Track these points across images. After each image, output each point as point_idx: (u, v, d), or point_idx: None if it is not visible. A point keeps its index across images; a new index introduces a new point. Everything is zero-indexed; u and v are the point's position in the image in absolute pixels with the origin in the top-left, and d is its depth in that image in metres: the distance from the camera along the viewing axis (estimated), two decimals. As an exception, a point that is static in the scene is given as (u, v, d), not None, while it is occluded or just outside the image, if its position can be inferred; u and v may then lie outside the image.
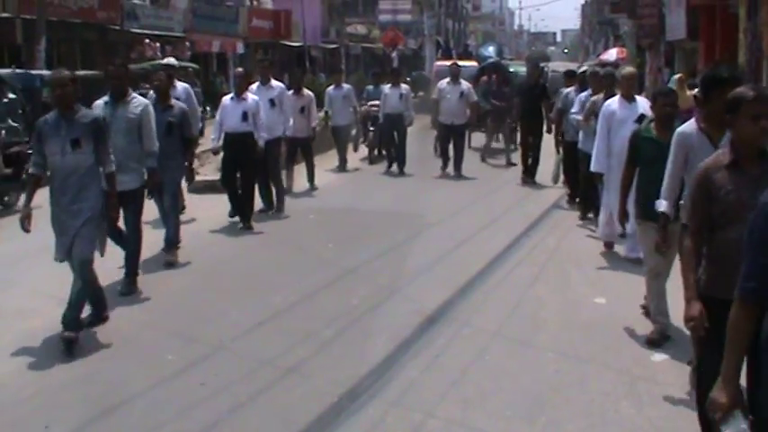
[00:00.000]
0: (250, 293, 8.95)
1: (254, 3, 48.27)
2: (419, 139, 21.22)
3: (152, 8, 36.83)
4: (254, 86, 13.33)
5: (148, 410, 6.03)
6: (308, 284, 9.17)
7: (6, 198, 13.83)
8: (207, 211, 12.91)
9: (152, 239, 10.01)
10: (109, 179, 7.62)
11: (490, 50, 28.44)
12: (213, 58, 41.77)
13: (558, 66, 35.86)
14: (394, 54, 54.85)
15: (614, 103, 10.13)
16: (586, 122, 11.60)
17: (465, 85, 18.12)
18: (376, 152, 20.39)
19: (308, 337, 7.46)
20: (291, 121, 14.15)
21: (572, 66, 34.13)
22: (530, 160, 16.75)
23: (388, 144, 18.96)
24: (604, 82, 11.49)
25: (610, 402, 6.10)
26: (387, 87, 18.76)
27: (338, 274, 9.72)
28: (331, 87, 19.15)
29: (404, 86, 18.97)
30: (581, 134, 12.09)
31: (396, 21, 65.35)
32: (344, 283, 9.38)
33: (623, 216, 7.97)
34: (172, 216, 10.16)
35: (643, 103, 9.85)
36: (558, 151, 14.42)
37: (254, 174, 12.39)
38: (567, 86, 14.40)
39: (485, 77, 22.53)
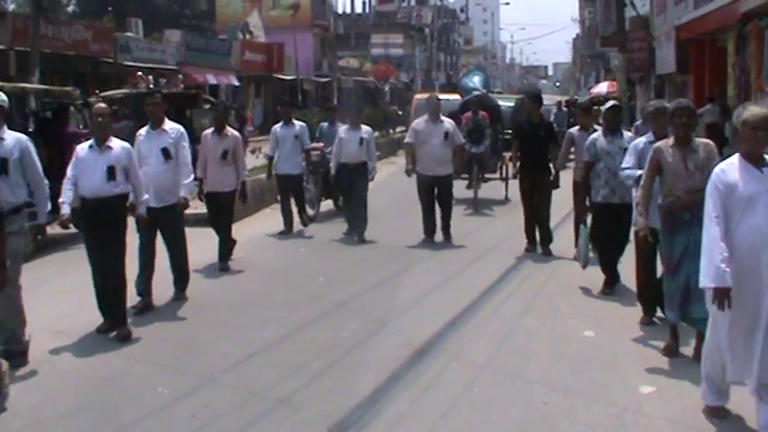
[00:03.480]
0: (240, 326, 8.99)
1: (247, 36, 48.55)
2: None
3: (145, 41, 37.09)
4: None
5: (138, 443, 6.04)
6: (298, 317, 9.22)
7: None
8: (196, 244, 12.92)
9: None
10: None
11: (475, 81, 22.41)
12: (206, 91, 41.96)
13: (544, 99, 34.62)
14: (386, 87, 55.21)
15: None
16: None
17: (448, 123, 13.96)
18: (313, 212, 16.23)
19: (298, 369, 7.49)
20: (193, 175, 10.60)
21: (556, 98, 33.43)
22: (536, 228, 12.82)
23: (345, 203, 15.14)
24: (666, 121, 8.20)
25: (597, 434, 6.13)
26: (343, 129, 14.79)
27: (328, 307, 9.76)
28: (278, 125, 15.28)
29: (365, 128, 14.73)
30: (634, 195, 8.68)
31: (388, 54, 65.99)
32: (334, 316, 9.42)
33: None
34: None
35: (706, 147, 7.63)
36: (584, 223, 10.66)
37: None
38: (582, 125, 12.01)
39: (468, 113, 18.61)
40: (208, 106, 21.27)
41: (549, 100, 29.78)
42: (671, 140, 7.69)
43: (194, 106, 21.18)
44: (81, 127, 15.60)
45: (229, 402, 6.76)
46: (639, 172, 8.19)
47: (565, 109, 32.22)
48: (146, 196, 9.01)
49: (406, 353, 7.95)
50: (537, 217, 12.74)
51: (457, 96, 22.49)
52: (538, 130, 12.92)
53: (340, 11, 75.18)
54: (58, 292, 10.32)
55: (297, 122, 15.25)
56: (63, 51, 28.59)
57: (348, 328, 8.82)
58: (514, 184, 16.13)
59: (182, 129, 9.97)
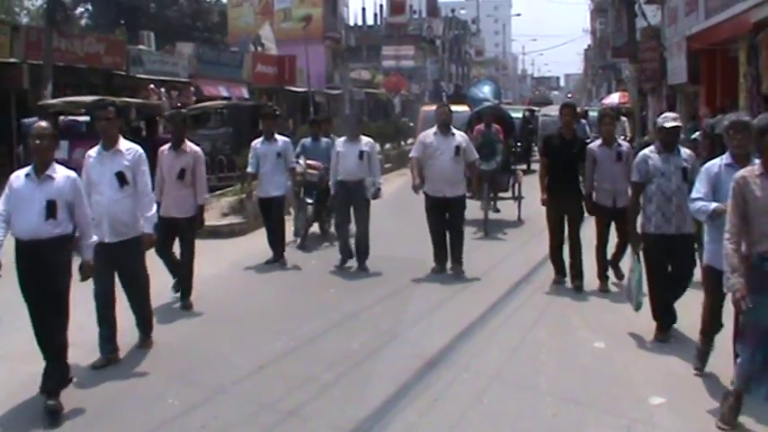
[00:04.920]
0: (251, 338, 9.02)
1: (259, 49, 48.69)
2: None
3: (157, 54, 37.24)
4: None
5: (149, 454, 6.07)
6: (308, 329, 9.24)
7: None
8: (207, 256, 12.98)
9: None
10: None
11: (485, 91, 20.46)
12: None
13: (550, 110, 31.86)
14: (397, 99, 55.26)
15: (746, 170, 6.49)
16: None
17: (460, 136, 12.20)
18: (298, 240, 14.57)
19: (308, 381, 7.51)
20: (156, 205, 8.71)
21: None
22: (566, 256, 11.29)
23: (341, 227, 12.91)
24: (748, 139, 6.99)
25: (607, 446, 6.13)
26: (341, 142, 12.77)
27: (339, 319, 9.78)
28: (258, 141, 13.51)
29: (365, 140, 12.68)
30: (707, 234, 7.38)
31: (399, 66, 66.04)
32: (345, 327, 9.43)
33: None
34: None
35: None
36: (636, 255, 8.94)
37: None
38: (606, 138, 10.79)
39: (479, 126, 17.12)
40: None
41: (555, 111, 29.31)
42: (756, 168, 6.31)
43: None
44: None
45: (240, 414, 6.79)
46: (714, 205, 6.93)
47: (584, 121, 28.25)
48: (93, 238, 7.40)
49: (417, 364, 7.96)
50: (569, 247, 11.18)
51: (466, 108, 20.21)
52: (571, 147, 11.13)
53: (351, 23, 75.50)
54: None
55: (280, 137, 13.45)
56: (76, 64, 28.71)
57: (358, 340, 8.82)
58: (527, 204, 16.10)
59: (140, 149, 8.33)
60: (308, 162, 14.49)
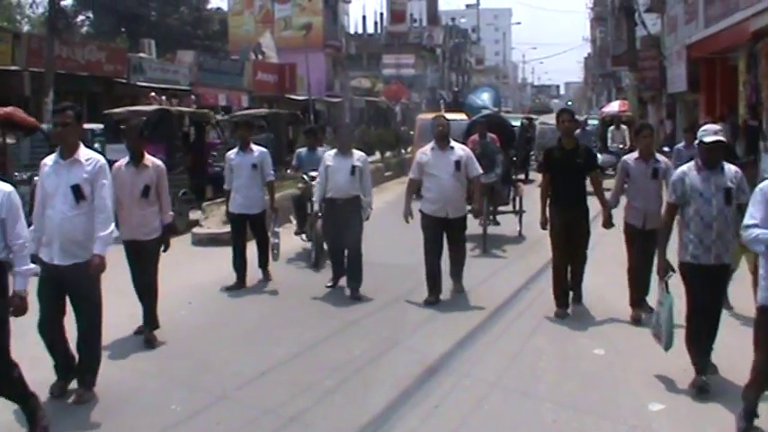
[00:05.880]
0: (253, 344, 9.07)
1: (260, 57, 48.80)
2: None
3: (158, 62, 37.35)
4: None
5: (152, 459, 6.11)
6: (310, 336, 9.29)
7: None
8: (208, 264, 13.04)
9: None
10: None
11: (484, 98, 19.34)
12: (219, 112, 42.21)
13: (548, 118, 31.84)
14: (398, 108, 55.30)
15: None
16: None
17: (460, 150, 11.04)
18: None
19: (310, 387, 7.55)
20: (114, 224, 7.41)
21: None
22: (569, 277, 10.27)
23: (333, 247, 11.88)
24: None
25: (607, 452, 6.18)
26: (330, 155, 11.56)
27: (340, 326, 9.82)
28: (233, 151, 12.26)
29: (357, 154, 11.58)
30: (764, 268, 6.39)
31: (399, 75, 66.06)
32: (346, 334, 9.48)
33: None
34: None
35: None
36: (664, 286, 7.68)
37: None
38: (643, 151, 9.77)
39: (475, 136, 15.62)
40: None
41: (552, 119, 29.15)
42: None
43: (296, 124, 25.76)
44: (216, 138, 21.74)
45: (242, 419, 6.84)
46: None
47: (589, 128, 27.67)
48: (30, 266, 6.43)
49: (418, 371, 8.01)
50: (571, 270, 10.23)
51: (464, 116, 19.31)
52: (573, 157, 10.10)
53: (352, 31, 75.58)
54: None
55: (256, 148, 12.16)
56: (77, 72, 28.84)
57: (359, 347, 8.87)
58: (527, 218, 15.47)
59: (101, 160, 7.26)
60: (313, 174, 12.84)
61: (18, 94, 25.68)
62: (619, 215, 10.11)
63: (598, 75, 76.66)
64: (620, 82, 54.86)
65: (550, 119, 29.49)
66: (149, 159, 9.09)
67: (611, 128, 27.28)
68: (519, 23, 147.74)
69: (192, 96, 35.90)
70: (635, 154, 9.89)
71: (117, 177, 8.60)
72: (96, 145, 17.65)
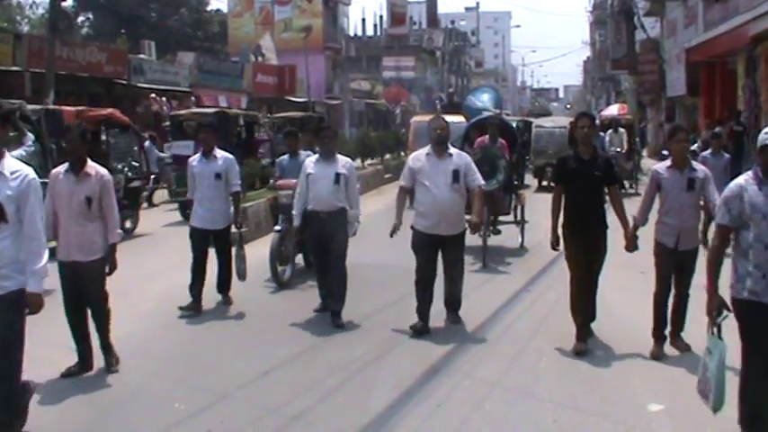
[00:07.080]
0: (255, 344, 9.12)
1: (259, 59, 48.86)
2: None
3: (158, 63, 37.41)
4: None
5: (156, 457, 6.14)
6: (312, 336, 9.36)
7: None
8: (209, 264, 13.03)
9: (156, 291, 10.16)
10: None
11: (485, 99, 17.93)
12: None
13: (544, 121, 29.97)
14: (398, 110, 55.37)
15: None
16: None
17: (458, 157, 9.61)
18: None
19: (312, 386, 7.60)
20: (47, 252, 6.06)
21: (563, 121, 28.55)
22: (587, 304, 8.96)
23: (318, 266, 10.49)
24: None
25: (607, 451, 6.21)
26: (311, 162, 10.17)
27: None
28: (195, 158, 10.93)
29: (343, 159, 10.20)
30: None
31: (399, 77, 66.19)
32: (348, 334, 9.52)
33: None
34: None
35: None
36: (716, 330, 5.97)
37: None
38: (677, 159, 8.37)
39: (481, 139, 14.86)
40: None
41: (551, 122, 28.64)
42: None
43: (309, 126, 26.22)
44: (264, 136, 25.46)
45: (245, 418, 6.88)
46: None
47: (603, 134, 25.62)
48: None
49: (419, 371, 8.05)
50: (589, 286, 8.93)
51: (461, 119, 17.92)
52: (592, 168, 8.69)
53: (351, 33, 75.70)
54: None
55: (221, 154, 10.78)
56: (77, 73, 28.92)
57: (361, 347, 8.92)
58: (529, 228, 15.26)
59: (30, 173, 5.91)
60: (281, 182, 12.10)
61: (19, 94, 25.69)
62: (643, 235, 8.78)
63: (597, 78, 76.84)
64: (619, 85, 55.05)
65: (547, 122, 29.02)
66: (93, 167, 7.82)
67: (610, 131, 26.51)
68: (518, 27, 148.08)
69: (192, 98, 36.00)
70: (667, 162, 8.49)
71: (54, 186, 7.79)
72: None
